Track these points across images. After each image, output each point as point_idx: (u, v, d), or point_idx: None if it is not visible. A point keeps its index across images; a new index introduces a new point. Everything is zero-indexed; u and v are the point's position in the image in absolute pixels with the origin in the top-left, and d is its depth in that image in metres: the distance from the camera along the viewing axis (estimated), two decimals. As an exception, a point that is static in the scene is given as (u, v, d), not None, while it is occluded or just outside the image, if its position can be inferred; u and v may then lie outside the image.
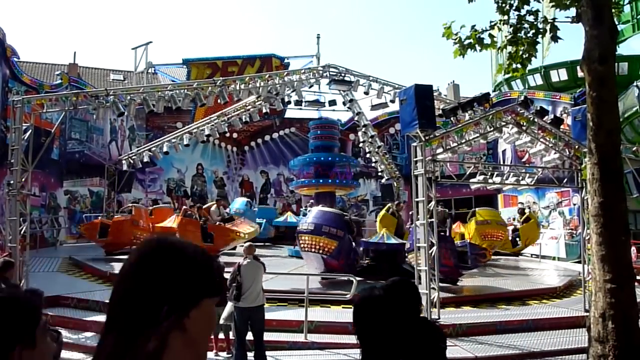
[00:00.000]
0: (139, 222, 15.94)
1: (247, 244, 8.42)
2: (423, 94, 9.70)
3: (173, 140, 18.07)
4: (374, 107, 17.71)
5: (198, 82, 14.01)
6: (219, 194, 25.90)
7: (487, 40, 6.89)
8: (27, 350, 1.25)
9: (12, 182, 10.32)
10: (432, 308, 9.33)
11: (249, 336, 7.53)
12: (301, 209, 21.49)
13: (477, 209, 16.92)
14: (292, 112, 25.62)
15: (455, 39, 6.85)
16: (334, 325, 9.14)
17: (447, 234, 13.59)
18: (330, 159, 17.25)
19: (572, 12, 6.53)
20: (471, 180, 13.36)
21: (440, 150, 10.31)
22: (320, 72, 16.41)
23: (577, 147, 11.17)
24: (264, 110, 17.43)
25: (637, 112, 16.59)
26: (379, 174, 22.58)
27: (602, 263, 5.58)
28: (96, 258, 14.45)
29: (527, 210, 17.74)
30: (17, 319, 1.26)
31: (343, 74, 16.35)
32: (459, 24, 6.93)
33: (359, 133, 20.17)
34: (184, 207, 17.25)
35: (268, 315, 7.76)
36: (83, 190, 21.03)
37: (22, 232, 10.33)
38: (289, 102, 17.92)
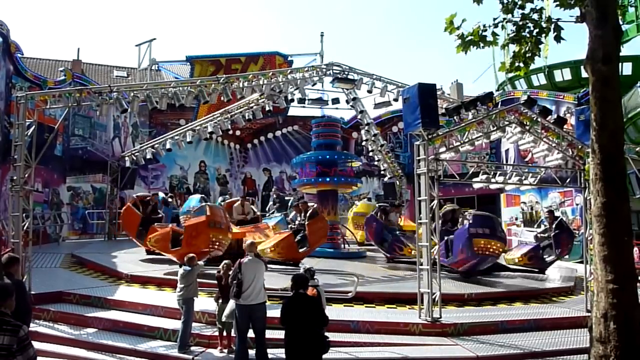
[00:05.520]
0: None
1: (249, 241, 8.38)
2: (426, 93, 9.68)
3: (176, 137, 18.09)
4: (377, 106, 17.70)
5: (201, 80, 14.00)
6: (222, 191, 25.96)
7: (490, 38, 6.87)
8: None
9: (15, 177, 10.33)
10: (434, 307, 9.33)
11: (250, 334, 7.54)
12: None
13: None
14: (295, 110, 25.72)
15: (458, 34, 6.83)
16: (335, 324, 9.10)
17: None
18: (332, 157, 17.22)
19: (576, 11, 6.51)
20: (474, 179, 13.30)
21: (443, 149, 10.28)
22: (324, 70, 16.39)
23: (580, 147, 11.14)
24: (267, 108, 17.43)
25: (641, 113, 16.55)
26: (382, 172, 22.57)
27: (605, 263, 5.58)
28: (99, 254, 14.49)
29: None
30: None
31: (346, 72, 16.33)
32: (462, 19, 6.89)
33: (362, 131, 20.14)
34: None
35: (269, 313, 7.75)
36: (86, 187, 21.05)
37: (25, 228, 10.35)
38: (292, 100, 17.90)
